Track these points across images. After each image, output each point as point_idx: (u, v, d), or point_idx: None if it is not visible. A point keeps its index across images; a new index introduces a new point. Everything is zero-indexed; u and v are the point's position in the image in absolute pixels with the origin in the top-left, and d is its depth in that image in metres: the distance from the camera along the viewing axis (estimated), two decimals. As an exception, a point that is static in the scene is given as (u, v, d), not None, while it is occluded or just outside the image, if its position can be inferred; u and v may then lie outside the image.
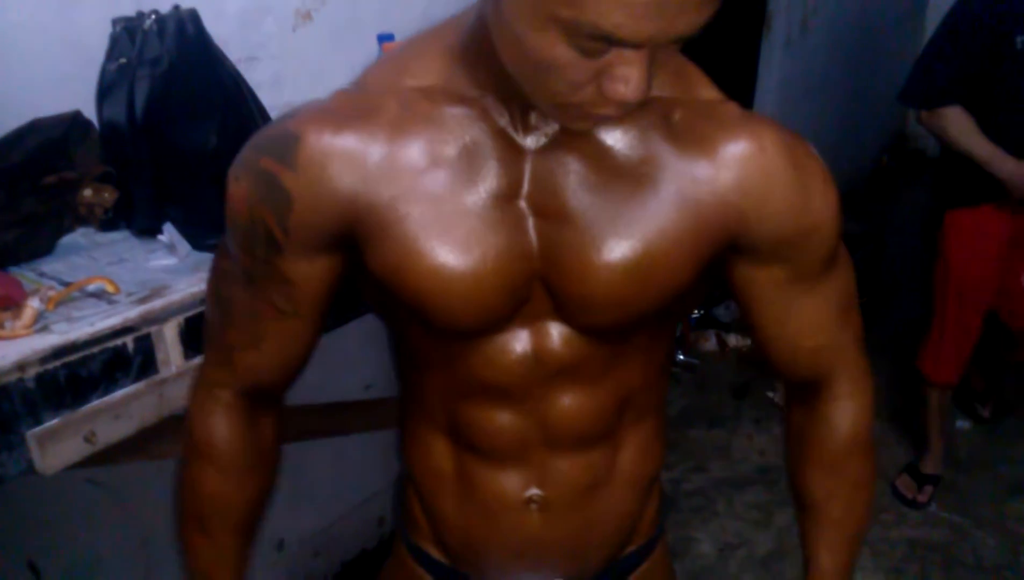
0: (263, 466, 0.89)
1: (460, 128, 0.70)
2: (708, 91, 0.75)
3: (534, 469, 0.84)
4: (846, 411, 0.89)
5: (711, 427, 2.75)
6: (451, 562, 0.93)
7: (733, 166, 0.71)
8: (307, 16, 1.74)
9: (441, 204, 0.70)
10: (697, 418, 2.79)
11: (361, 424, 1.39)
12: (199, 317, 1.01)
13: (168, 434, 0.97)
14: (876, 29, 4.76)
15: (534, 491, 0.85)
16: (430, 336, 0.79)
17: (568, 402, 0.81)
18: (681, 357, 2.98)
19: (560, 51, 0.59)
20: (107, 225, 1.25)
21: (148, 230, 1.17)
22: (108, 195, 1.25)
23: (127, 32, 1.22)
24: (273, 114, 1.34)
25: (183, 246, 1.11)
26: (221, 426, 0.84)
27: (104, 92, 1.24)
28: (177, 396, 0.98)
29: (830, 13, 4.03)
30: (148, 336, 0.96)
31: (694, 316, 3.14)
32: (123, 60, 1.22)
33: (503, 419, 0.82)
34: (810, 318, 0.81)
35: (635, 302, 0.73)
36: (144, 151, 1.13)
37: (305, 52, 1.73)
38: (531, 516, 0.86)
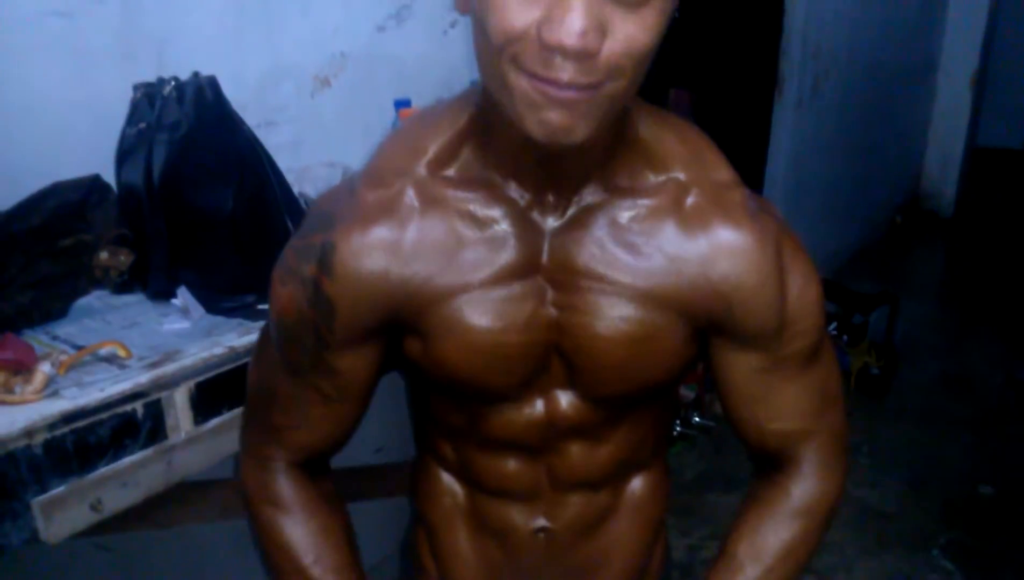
0: (337, 503, 0.91)
1: (481, 211, 0.75)
2: (722, 173, 0.79)
3: (542, 505, 0.89)
4: (807, 487, 0.89)
5: (728, 491, 2.69)
6: None
7: (728, 257, 0.75)
8: (326, 82, 1.77)
9: (470, 282, 0.75)
10: (714, 482, 2.73)
11: (372, 491, 1.36)
12: (210, 382, 1.00)
13: (175, 502, 0.95)
14: (888, 89, 4.79)
15: (541, 523, 0.90)
16: (452, 400, 0.85)
17: (575, 453, 0.86)
18: (697, 419, 2.93)
19: None
20: (122, 288, 1.25)
21: (162, 293, 1.17)
22: (124, 258, 1.26)
23: (147, 97, 1.24)
24: (290, 177, 1.36)
25: (197, 310, 1.11)
26: (284, 485, 0.87)
27: (123, 156, 1.26)
28: (185, 463, 0.97)
29: (841, 74, 4.06)
30: (158, 401, 0.95)
31: (708, 378, 3.10)
32: (143, 125, 1.24)
33: (513, 466, 0.87)
34: (783, 405, 0.84)
35: (637, 373, 0.79)
36: (160, 214, 1.13)
37: (323, 116, 1.75)
38: (538, 545, 0.91)
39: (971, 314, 4.26)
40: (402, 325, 0.78)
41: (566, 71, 0.61)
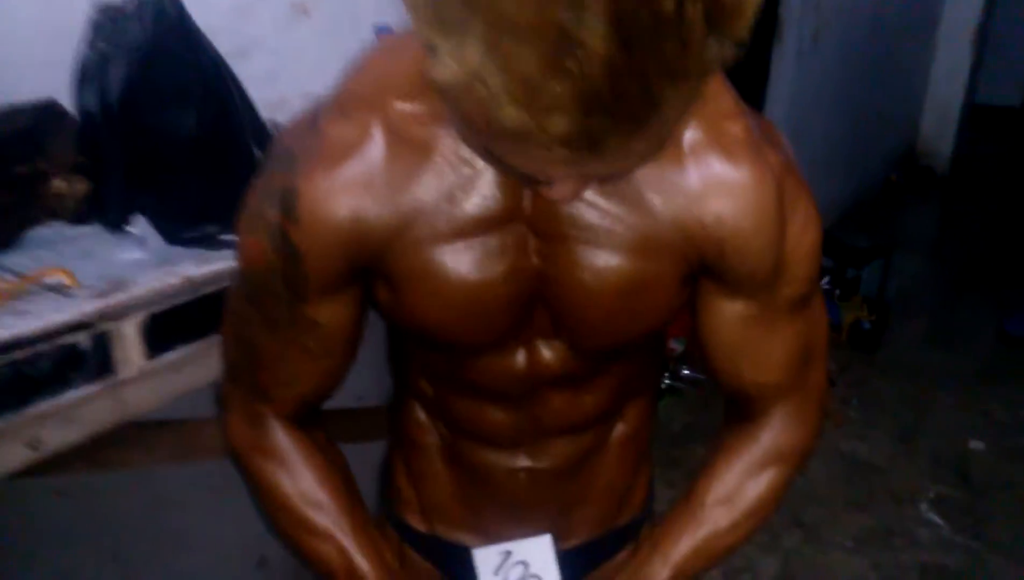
0: (332, 448, 0.88)
1: (455, 153, 0.68)
2: (724, 101, 0.71)
3: (525, 448, 0.86)
4: (777, 437, 0.86)
5: (716, 445, 2.67)
6: (436, 530, 0.94)
7: (722, 196, 0.70)
8: (303, 9, 1.67)
9: (444, 229, 0.69)
10: (701, 435, 2.71)
11: (347, 435, 1.30)
12: (165, 314, 0.94)
13: (126, 442, 0.90)
14: (888, 44, 4.71)
15: (523, 463, 0.87)
16: (429, 349, 0.81)
17: (559, 402, 0.83)
18: (685, 372, 2.90)
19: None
20: (79, 218, 1.17)
21: (119, 223, 1.09)
22: (80, 186, 1.18)
23: (108, 17, 1.15)
24: (263, 109, 1.28)
25: (154, 239, 1.04)
26: (278, 437, 0.83)
27: (81, 80, 1.17)
28: (137, 400, 0.91)
29: (843, 25, 3.97)
30: (106, 333, 0.88)
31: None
32: (102, 46, 1.15)
33: (496, 414, 0.83)
34: (765, 357, 0.80)
35: (626, 324, 0.74)
36: (116, 138, 1.05)
37: (301, 46, 1.66)
38: (519, 482, 0.88)
39: (963, 271, 4.25)
40: (372, 271, 0.73)
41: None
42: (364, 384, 1.89)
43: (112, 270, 1.00)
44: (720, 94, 0.72)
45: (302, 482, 0.83)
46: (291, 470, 0.83)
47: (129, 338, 0.90)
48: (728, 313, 0.77)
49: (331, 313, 0.74)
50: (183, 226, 1.05)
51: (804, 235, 0.74)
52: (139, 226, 1.05)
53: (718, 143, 0.70)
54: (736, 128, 0.70)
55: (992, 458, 2.74)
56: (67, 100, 1.19)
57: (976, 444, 2.80)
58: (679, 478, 2.51)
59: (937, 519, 2.44)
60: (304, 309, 0.74)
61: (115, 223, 1.08)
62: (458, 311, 0.72)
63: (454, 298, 0.71)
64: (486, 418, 0.84)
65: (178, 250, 1.04)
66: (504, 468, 0.87)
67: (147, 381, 0.91)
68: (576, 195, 0.59)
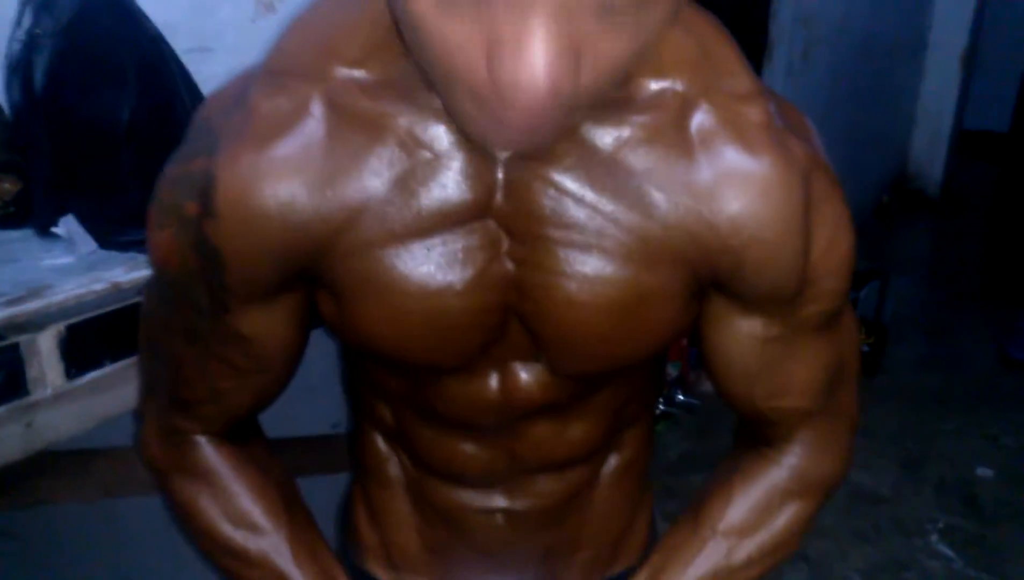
0: (270, 461, 0.76)
1: (412, 132, 0.57)
2: (741, 80, 0.59)
3: (501, 487, 0.74)
4: (802, 464, 0.73)
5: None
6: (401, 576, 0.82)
7: (739, 195, 0.57)
8: (269, 6, 1.57)
9: (395, 227, 0.57)
10: (699, 464, 2.58)
11: (317, 465, 1.17)
12: (87, 325, 0.81)
13: (42, 474, 0.76)
14: (878, 65, 4.68)
15: (499, 504, 0.75)
16: (385, 370, 0.69)
17: (540, 434, 0.70)
18: (680, 397, 2.77)
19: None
20: (8, 221, 1.05)
21: (49, 225, 0.97)
22: (9, 186, 1.06)
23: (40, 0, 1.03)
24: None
25: (85, 242, 0.92)
26: (203, 455, 0.71)
27: (10, 68, 1.05)
28: (52, 425, 0.77)
29: (832, 44, 3.92)
30: (16, 346, 0.75)
31: (692, 353, 2.95)
32: (38, 31, 1.03)
33: (466, 448, 0.71)
34: (787, 381, 0.67)
35: (622, 346, 0.62)
36: (42, 129, 0.93)
37: (265, 44, 1.55)
38: (496, 526, 0.76)
39: (959, 293, 4.18)
40: (311, 277, 0.61)
41: (529, 113, 0.45)
42: (342, 408, 1.76)
43: (35, 277, 0.87)
44: (735, 71, 0.59)
45: (231, 502, 0.70)
46: (218, 489, 0.70)
47: (45, 353, 0.77)
48: (743, 332, 0.65)
49: (260, 325, 0.62)
50: (118, 228, 0.92)
51: (835, 243, 0.62)
52: (65, 226, 0.92)
53: (733, 130, 0.58)
54: (755, 112, 0.58)
55: (1001, 485, 2.62)
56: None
57: (984, 471, 2.68)
58: (676, 510, 2.37)
59: (948, 551, 2.32)
60: (227, 319, 0.62)
61: (43, 225, 0.96)
62: (415, 326, 0.60)
63: (410, 310, 0.59)
64: (455, 452, 0.71)
65: (113, 255, 0.92)
66: (478, 509, 0.75)
67: (65, 404, 0.77)
68: (542, 62, 0.43)
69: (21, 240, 1.02)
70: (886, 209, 5.37)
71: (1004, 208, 5.17)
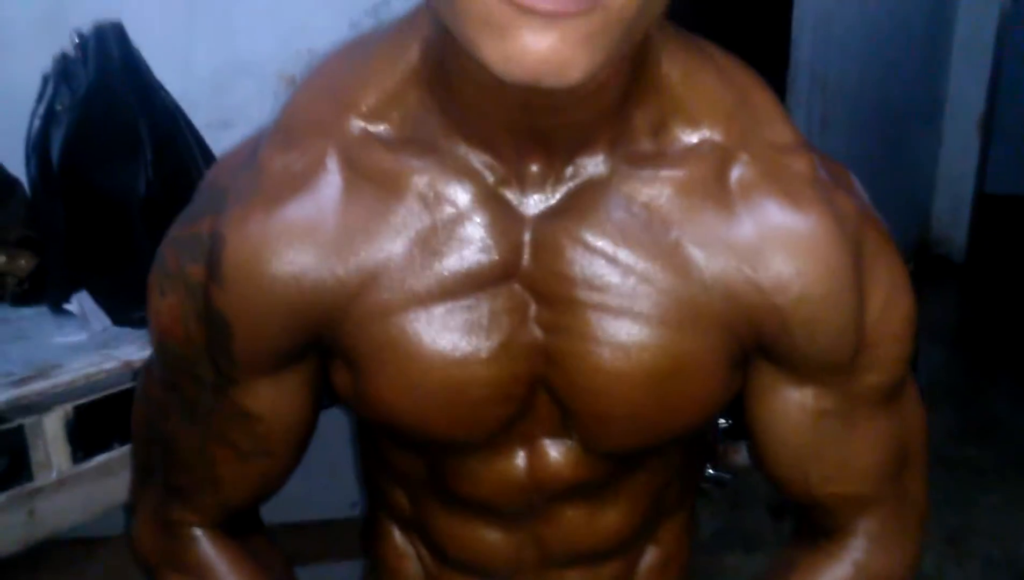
0: (272, 558, 0.70)
1: (433, 187, 0.53)
2: (781, 130, 0.56)
3: None
4: (869, 560, 0.66)
5: (748, 552, 2.44)
6: None
7: (785, 253, 0.54)
8: (292, 81, 1.57)
9: (415, 290, 0.54)
10: (733, 542, 2.48)
11: (333, 550, 1.11)
12: (96, 406, 0.77)
13: (44, 566, 0.71)
14: (896, 130, 4.68)
15: None
16: (402, 451, 0.65)
17: (571, 520, 0.65)
18: (711, 471, 2.68)
19: None
20: (22, 299, 1.03)
21: (61, 300, 0.94)
22: (24, 262, 1.04)
23: (60, 69, 1.02)
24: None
25: (99, 318, 0.88)
26: (198, 549, 0.66)
27: (30, 143, 1.04)
28: (57, 513, 0.73)
29: (849, 109, 3.92)
30: (20, 429, 0.71)
31: (722, 426, 2.86)
32: (58, 107, 1.02)
33: (489, 536, 0.66)
34: (845, 463, 0.61)
35: (659, 420, 0.58)
36: (58, 203, 0.91)
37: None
38: None
39: (991, 360, 4.08)
40: (325, 346, 0.57)
41: None
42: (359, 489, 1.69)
43: (45, 355, 0.84)
44: (775, 120, 0.56)
45: None
46: None
47: (50, 436, 0.73)
48: (794, 405, 0.60)
49: (267, 401, 0.58)
50: (132, 304, 0.89)
51: (892, 303, 0.57)
52: (83, 304, 0.89)
53: (776, 182, 0.54)
54: (799, 163, 0.55)
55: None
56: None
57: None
58: (710, 591, 2.27)
59: (998, 632, 2.19)
60: (232, 394, 0.58)
61: (56, 301, 0.93)
62: (436, 398, 0.55)
63: (431, 380, 0.55)
64: (477, 541, 0.66)
65: (126, 332, 0.89)
66: None
67: (70, 489, 0.73)
68: None
69: (34, 317, 0.99)
70: (910, 276, 5.31)
71: (1024, 274, 5.10)
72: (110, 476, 0.77)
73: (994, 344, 4.28)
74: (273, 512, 0.96)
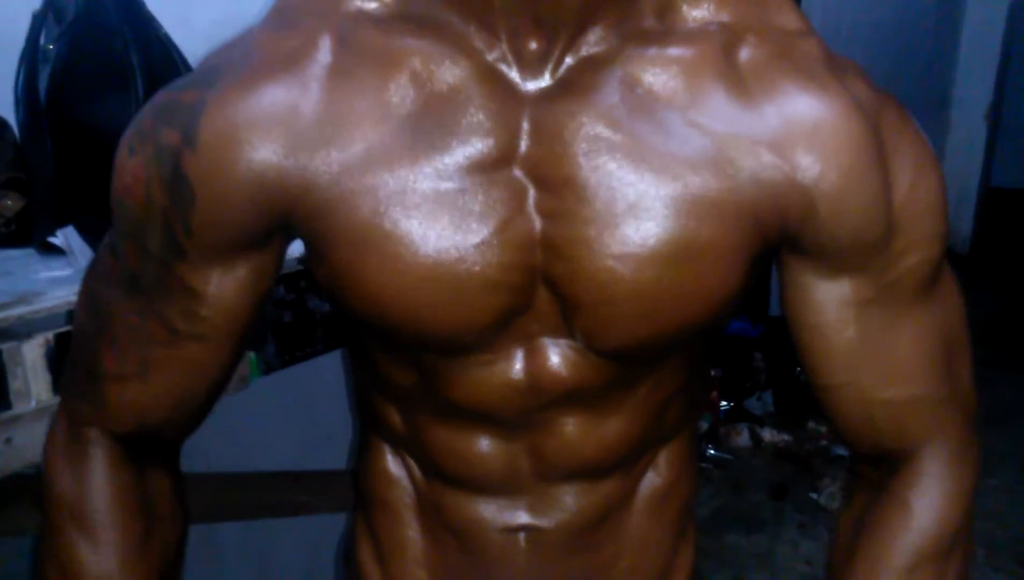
0: (160, 537, 0.64)
1: (428, 68, 0.52)
2: (788, 16, 0.55)
3: (523, 499, 0.65)
4: (935, 497, 0.62)
5: (749, 532, 2.42)
6: None
7: (808, 134, 0.52)
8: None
9: (405, 176, 0.52)
10: (734, 522, 2.46)
11: (310, 503, 1.08)
12: (79, 335, 0.74)
13: (7, 501, 0.69)
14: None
15: (523, 520, 0.66)
16: (390, 349, 0.61)
17: (571, 430, 0.62)
18: (711, 452, 2.66)
19: None
20: (11, 239, 1.01)
21: (47, 236, 0.91)
22: (12, 203, 1.02)
23: (51, 9, 1.00)
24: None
25: (85, 254, 0.86)
26: (94, 478, 0.61)
27: (22, 86, 1.02)
28: (34, 444, 0.70)
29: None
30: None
31: (723, 408, 2.85)
32: (50, 46, 1.00)
33: (482, 446, 0.63)
34: (896, 359, 0.58)
35: (667, 314, 0.54)
36: (44, 138, 0.88)
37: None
38: (518, 550, 0.66)
39: (996, 349, 4.04)
40: (299, 233, 0.55)
41: None
42: (338, 416, 1.65)
43: (28, 287, 0.81)
44: (784, 7, 0.55)
45: (103, 557, 0.60)
46: (94, 537, 0.60)
47: (30, 363, 0.70)
48: (834, 299, 0.57)
49: (217, 285, 0.56)
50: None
51: (920, 180, 0.55)
52: (69, 239, 0.87)
53: (789, 62, 0.53)
54: (809, 46, 0.53)
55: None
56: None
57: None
58: (710, 569, 2.25)
59: (1003, 615, 2.17)
60: (178, 269, 0.55)
61: (42, 236, 0.90)
62: (426, 288, 0.53)
63: (419, 268, 0.52)
64: (472, 453, 0.63)
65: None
66: (498, 528, 0.66)
67: (50, 419, 0.70)
68: None
69: (21, 257, 0.97)
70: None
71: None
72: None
73: (1000, 335, 4.27)
74: (267, 463, 0.94)
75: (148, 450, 0.63)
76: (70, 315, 0.74)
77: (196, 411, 0.63)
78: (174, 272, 0.55)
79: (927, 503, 0.61)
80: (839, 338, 0.57)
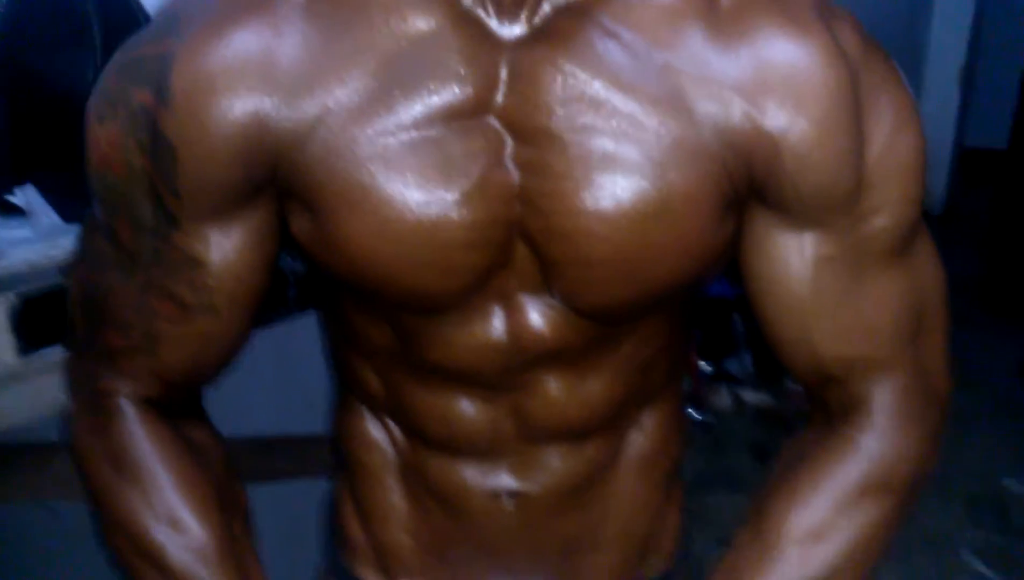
0: (211, 454, 0.63)
1: (404, 11, 0.50)
2: None
3: (505, 461, 0.64)
4: (884, 443, 0.60)
5: (732, 492, 2.45)
6: None
7: (781, 79, 0.50)
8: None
9: (383, 125, 0.50)
10: (716, 483, 2.49)
11: (289, 468, 1.06)
12: (44, 298, 0.72)
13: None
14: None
15: (507, 483, 0.64)
16: (369, 308, 0.59)
17: (553, 390, 0.61)
18: (692, 414, 2.68)
19: None
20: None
21: (4, 195, 0.87)
22: (-33, 165, 0.98)
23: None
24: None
25: (46, 212, 0.82)
26: (128, 431, 0.59)
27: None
28: (1, 410, 0.67)
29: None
30: (-42, 318, 0.66)
31: (705, 370, 2.86)
32: None
33: (463, 408, 0.61)
34: (854, 317, 0.56)
35: (647, 269, 0.53)
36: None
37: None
38: (502, 513, 0.65)
39: (969, 307, 4.11)
40: (281, 188, 0.52)
41: None
42: (321, 380, 1.63)
43: (-14, 251, 0.78)
44: None
45: (155, 492, 0.58)
46: (143, 482, 0.58)
47: (-8, 326, 0.67)
48: (793, 252, 0.55)
49: (214, 247, 0.54)
50: (84, 199, 0.83)
51: (897, 137, 0.53)
52: (23, 195, 0.83)
53: (773, 4, 0.51)
54: None
55: (1034, 501, 2.53)
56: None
57: (1011, 483, 2.60)
58: (696, 530, 2.27)
59: (982, 566, 2.22)
60: (176, 239, 0.53)
61: (4, 201, 0.86)
62: (403, 242, 0.51)
63: (395, 222, 0.50)
64: (453, 415, 0.61)
65: (76, 226, 0.82)
66: (481, 492, 0.64)
67: (16, 385, 0.67)
68: None
69: (-20, 218, 0.93)
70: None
71: (1007, 224, 5.14)
72: (60, 373, 0.72)
73: (972, 293, 4.33)
74: (243, 428, 0.91)
75: (177, 401, 0.61)
76: (33, 274, 0.71)
77: (220, 362, 0.61)
78: (171, 241, 0.53)
79: (871, 444, 0.60)
80: (795, 292, 0.56)
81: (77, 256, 0.61)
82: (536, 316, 0.56)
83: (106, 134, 0.52)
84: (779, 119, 0.50)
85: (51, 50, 0.83)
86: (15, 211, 0.86)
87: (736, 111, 0.50)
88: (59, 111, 0.85)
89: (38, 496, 0.77)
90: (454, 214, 0.50)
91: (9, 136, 0.84)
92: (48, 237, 0.78)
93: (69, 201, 0.85)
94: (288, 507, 1.26)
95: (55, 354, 0.72)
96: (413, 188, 0.50)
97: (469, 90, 0.50)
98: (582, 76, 0.50)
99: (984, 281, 4.59)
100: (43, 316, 0.71)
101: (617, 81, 0.50)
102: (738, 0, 0.51)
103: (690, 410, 2.69)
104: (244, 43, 0.49)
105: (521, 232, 0.53)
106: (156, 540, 0.57)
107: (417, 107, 0.49)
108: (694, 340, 2.68)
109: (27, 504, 0.80)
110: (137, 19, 0.87)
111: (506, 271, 0.54)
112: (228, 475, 0.64)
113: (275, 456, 1.02)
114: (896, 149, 0.53)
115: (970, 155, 6.17)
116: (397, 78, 0.49)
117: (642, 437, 0.67)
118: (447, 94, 0.50)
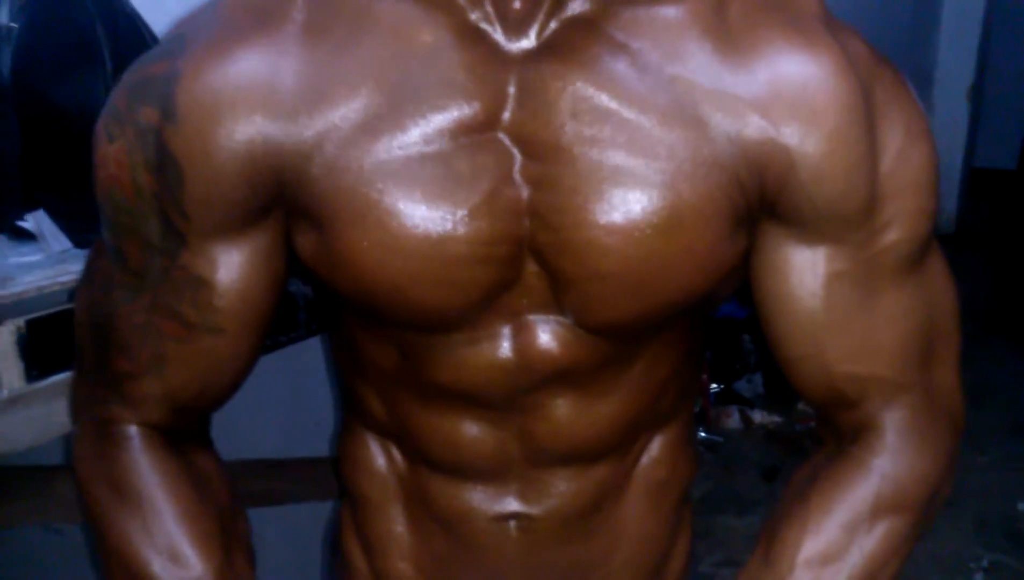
0: (216, 485, 0.62)
1: (410, 27, 0.50)
2: None
3: (512, 485, 0.63)
4: (897, 464, 0.59)
5: (741, 514, 2.42)
6: None
7: (794, 92, 0.50)
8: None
9: (389, 141, 0.50)
10: (725, 503, 2.47)
11: (296, 491, 1.06)
12: (51, 322, 0.72)
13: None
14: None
15: (513, 508, 0.63)
16: (372, 329, 0.59)
17: (562, 413, 0.60)
18: (702, 434, 2.66)
19: None
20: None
21: (15, 220, 0.88)
22: (-21, 189, 0.98)
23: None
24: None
25: (57, 240, 0.83)
26: (131, 459, 0.59)
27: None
28: (7, 434, 0.67)
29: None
30: (-33, 343, 0.66)
31: (713, 390, 2.84)
32: (12, 24, 0.96)
33: (469, 431, 0.60)
34: (866, 338, 0.55)
35: (658, 286, 0.53)
36: (10, 118, 0.85)
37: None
38: (508, 538, 0.63)
39: (983, 325, 4.07)
40: (288, 206, 0.52)
41: None
42: (326, 403, 1.63)
43: (-2, 275, 0.78)
44: None
45: (155, 522, 0.57)
46: (142, 501, 0.58)
47: (1, 351, 0.68)
48: (805, 267, 0.55)
49: (222, 267, 0.53)
50: (94, 224, 0.83)
51: (909, 150, 0.53)
52: (40, 224, 0.84)
53: (782, 15, 0.51)
54: (805, 2, 0.52)
55: (1045, 521, 2.49)
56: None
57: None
58: (702, 552, 2.25)
59: (994, 590, 2.18)
60: (182, 258, 0.53)
61: (11, 220, 0.87)
62: (410, 257, 0.51)
63: (403, 238, 0.50)
64: (459, 437, 0.61)
65: (87, 252, 0.83)
66: (487, 516, 0.64)
67: (23, 409, 0.68)
68: None
69: (-10, 245, 0.93)
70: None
71: (1013, 245, 5.11)
72: (67, 398, 0.72)
73: (986, 311, 4.30)
74: (252, 451, 0.91)
75: (182, 429, 0.61)
76: (41, 300, 0.71)
77: (228, 386, 0.61)
78: (178, 260, 0.53)
79: (883, 467, 0.59)
80: (806, 308, 0.55)
81: (84, 279, 0.61)
82: (545, 335, 0.56)
83: (114, 153, 0.53)
84: (794, 132, 0.50)
85: (63, 76, 0.83)
86: (27, 236, 0.87)
87: (751, 124, 0.50)
88: (70, 136, 0.86)
89: (43, 518, 0.77)
90: (461, 229, 0.50)
91: (21, 162, 0.85)
92: (59, 263, 0.78)
93: (81, 226, 0.86)
94: (294, 530, 1.26)
95: (62, 380, 0.72)
96: (420, 203, 0.49)
97: (477, 105, 0.50)
98: (591, 90, 0.50)
99: (996, 300, 4.55)
100: (52, 342, 0.72)
101: (626, 94, 0.50)
102: (747, 14, 0.51)
103: (700, 430, 2.68)
104: (249, 61, 0.49)
105: (530, 247, 0.52)
106: (154, 573, 0.57)
107: (425, 123, 0.49)
108: (706, 362, 2.67)
109: (33, 525, 0.80)
110: (147, 44, 0.87)
111: (515, 289, 0.54)
112: (232, 506, 0.63)
113: (283, 478, 1.02)
114: (909, 161, 0.53)
115: (979, 174, 6.15)
116: (405, 94, 0.49)
117: (653, 463, 0.67)
118: (455, 110, 0.49)
